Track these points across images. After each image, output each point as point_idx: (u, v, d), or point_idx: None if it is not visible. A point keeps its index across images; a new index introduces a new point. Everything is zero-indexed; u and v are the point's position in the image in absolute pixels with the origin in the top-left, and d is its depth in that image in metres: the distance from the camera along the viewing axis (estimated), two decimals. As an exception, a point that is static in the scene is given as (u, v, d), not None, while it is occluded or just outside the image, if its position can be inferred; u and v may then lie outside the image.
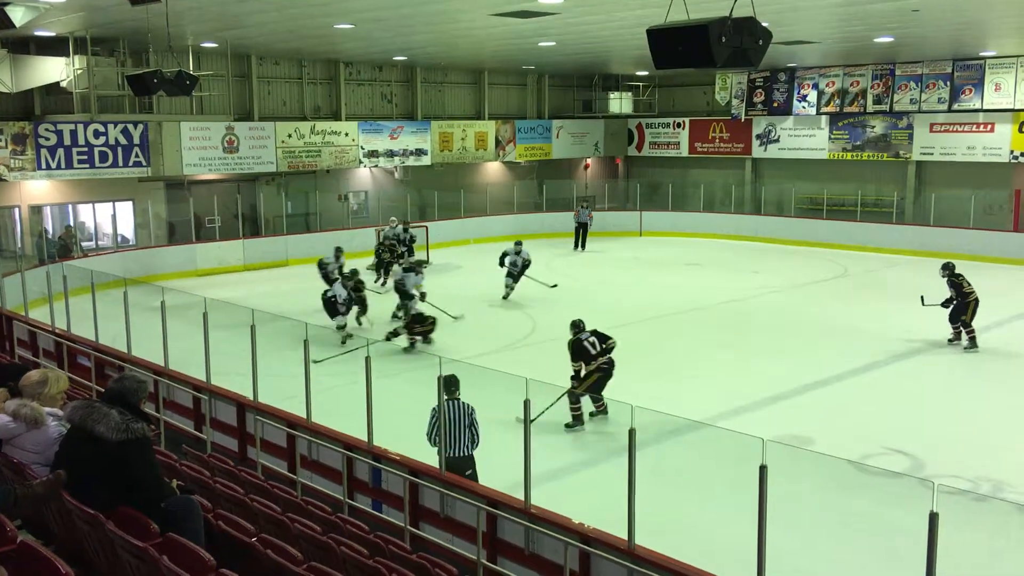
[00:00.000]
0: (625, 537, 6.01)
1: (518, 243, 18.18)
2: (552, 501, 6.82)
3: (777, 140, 28.32)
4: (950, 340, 14.03)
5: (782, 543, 5.97)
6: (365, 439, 7.85)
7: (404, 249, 20.70)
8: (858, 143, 26.57)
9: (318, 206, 24.96)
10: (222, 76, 21.86)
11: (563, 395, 10.11)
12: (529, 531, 6.59)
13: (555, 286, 18.30)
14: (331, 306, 14.73)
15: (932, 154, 25.25)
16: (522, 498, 6.66)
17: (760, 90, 28.15)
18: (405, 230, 21.33)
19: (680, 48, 6.59)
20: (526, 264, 17.89)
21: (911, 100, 25.07)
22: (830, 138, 27.09)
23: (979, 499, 8.35)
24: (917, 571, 4.84)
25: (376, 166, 26.04)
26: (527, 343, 14.65)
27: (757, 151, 28.90)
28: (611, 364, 10.49)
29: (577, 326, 10.69)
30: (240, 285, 19.66)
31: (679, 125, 30.62)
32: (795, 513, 7.59)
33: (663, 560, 5.90)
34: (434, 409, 7.75)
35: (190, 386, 9.82)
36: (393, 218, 22.08)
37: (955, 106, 24.23)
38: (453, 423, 7.72)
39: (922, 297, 13.96)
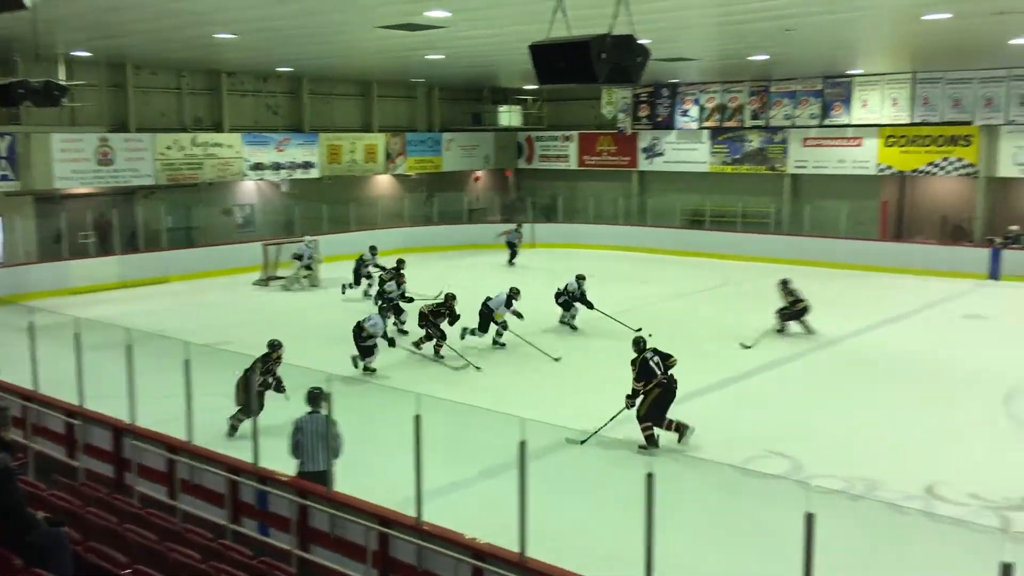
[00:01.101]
0: (518, 550, 6.02)
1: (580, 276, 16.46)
2: (450, 516, 6.76)
3: (662, 153, 29.11)
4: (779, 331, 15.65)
5: (670, 548, 6.09)
6: (251, 461, 7.63)
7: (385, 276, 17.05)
8: (737, 157, 27.55)
9: (200, 220, 24.22)
10: (95, 86, 20.98)
11: (619, 412, 10.25)
12: (421, 549, 6.51)
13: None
14: (364, 347, 13.21)
15: (806, 167, 26.42)
16: (415, 514, 6.59)
17: (645, 105, 28.87)
18: (373, 252, 19.99)
19: (562, 64, 6.68)
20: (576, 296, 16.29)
21: (785, 116, 26.18)
22: (711, 152, 28.02)
23: (853, 499, 8.72)
24: (795, 571, 5.00)
25: (262, 179, 25.46)
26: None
27: (643, 164, 29.63)
28: (673, 381, 10.33)
29: (639, 344, 10.51)
30: (117, 303, 18.84)
31: (568, 138, 31.12)
32: (682, 518, 7.76)
33: (554, 571, 5.93)
34: (295, 422, 7.84)
35: (62, 411, 9.33)
36: (309, 237, 21.66)
37: (826, 121, 25.41)
38: (313, 436, 7.73)
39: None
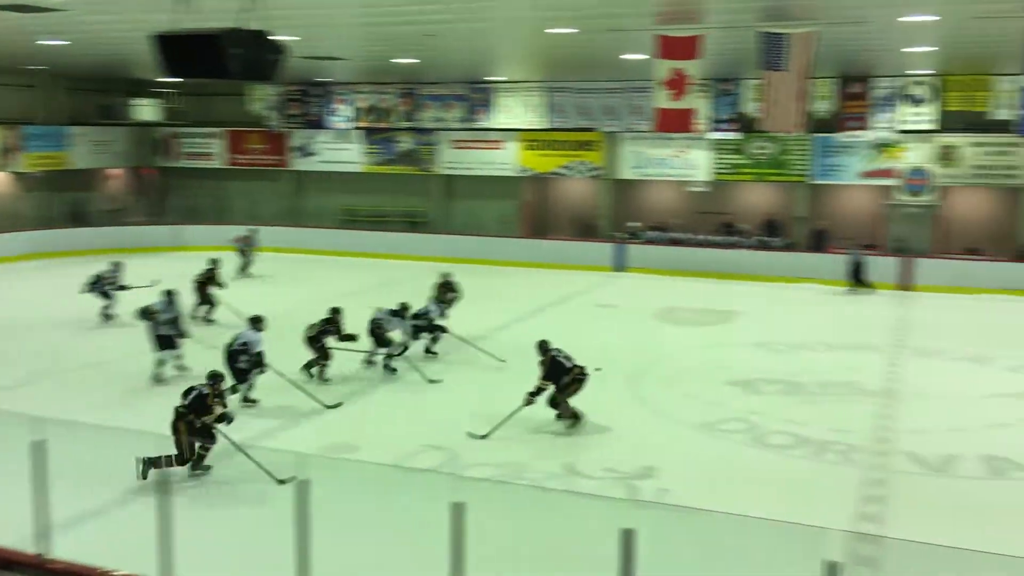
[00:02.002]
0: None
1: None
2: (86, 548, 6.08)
3: (315, 153, 28.77)
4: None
5: (326, 553, 6.00)
6: None
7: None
8: (391, 157, 28.02)
9: None
10: None
11: (519, 409, 10.74)
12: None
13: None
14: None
15: (455, 168, 27.55)
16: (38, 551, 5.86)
17: (296, 103, 28.33)
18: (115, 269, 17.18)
19: (192, 57, 6.27)
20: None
21: (435, 118, 27.07)
22: (365, 152, 28.22)
23: (500, 483, 9.19)
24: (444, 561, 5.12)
25: None
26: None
27: (297, 163, 29.09)
28: (583, 371, 11.01)
29: (545, 345, 11.09)
30: None
31: (214, 135, 29.65)
32: (336, 522, 7.67)
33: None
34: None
35: None
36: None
37: (471, 125, 26.68)
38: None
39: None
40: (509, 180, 27.10)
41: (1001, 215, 23.46)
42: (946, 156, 22.92)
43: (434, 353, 14.61)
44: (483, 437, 10.68)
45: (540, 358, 11.11)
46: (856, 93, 22.85)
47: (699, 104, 20.83)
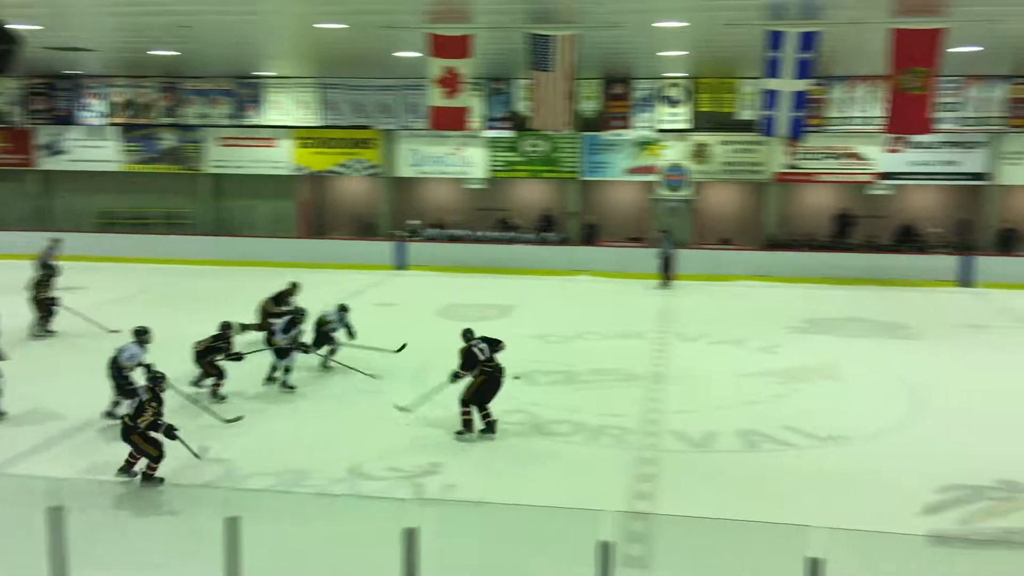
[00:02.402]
0: None
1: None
2: None
3: (66, 151, 26.55)
4: None
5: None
6: None
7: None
8: (152, 155, 26.37)
9: None
10: None
11: (442, 386, 10.90)
12: None
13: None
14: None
15: (224, 167, 26.35)
16: None
17: (43, 97, 26.00)
18: None
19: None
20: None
21: (200, 114, 25.74)
22: (123, 150, 26.37)
23: (281, 494, 8.87)
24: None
25: None
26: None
27: (44, 162, 26.72)
28: (498, 370, 10.79)
29: (468, 334, 10.92)
30: None
31: (-56, 132, 26.67)
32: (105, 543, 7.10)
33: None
34: None
35: None
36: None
37: (241, 121, 25.61)
38: None
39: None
40: (284, 179, 26.29)
41: (749, 208, 25.58)
42: (699, 154, 24.67)
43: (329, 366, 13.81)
44: (403, 410, 11.09)
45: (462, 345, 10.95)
46: (619, 94, 24.08)
47: (473, 102, 21.21)
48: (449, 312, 18.36)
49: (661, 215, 24.93)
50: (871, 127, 22.54)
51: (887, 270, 22.20)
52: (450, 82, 14.94)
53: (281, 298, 14.74)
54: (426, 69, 15.25)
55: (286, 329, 12.69)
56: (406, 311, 18.75)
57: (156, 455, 9.09)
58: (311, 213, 27.15)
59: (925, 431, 11.28)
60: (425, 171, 26.05)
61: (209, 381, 12.12)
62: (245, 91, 25.38)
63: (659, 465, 10.00)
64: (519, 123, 24.21)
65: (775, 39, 14.14)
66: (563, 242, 25.10)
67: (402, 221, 25.87)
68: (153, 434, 9.05)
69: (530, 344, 15.54)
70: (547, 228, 25.51)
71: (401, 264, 24.12)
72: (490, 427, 10.83)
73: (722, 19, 14.19)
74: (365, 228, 26.62)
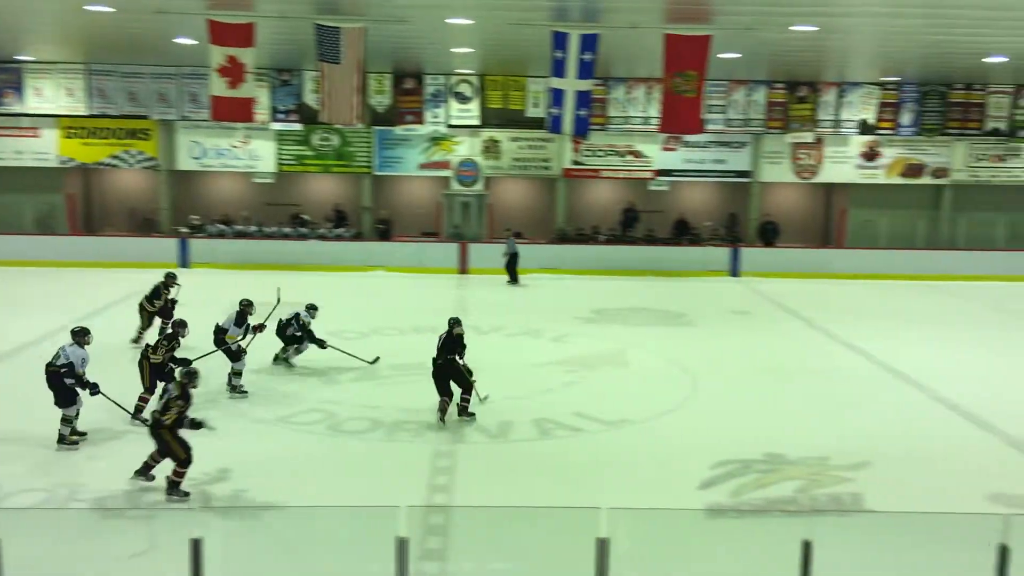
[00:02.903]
0: None
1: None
2: None
3: None
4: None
5: None
6: None
7: None
8: None
9: None
10: None
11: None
12: None
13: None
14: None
15: (-20, 158, 24.01)
16: None
17: None
18: None
19: None
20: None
21: (-52, 100, 23.29)
22: None
23: (50, 511, 8.20)
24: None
25: None
26: None
27: None
28: (440, 365, 11.02)
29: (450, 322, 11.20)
30: None
31: None
32: None
33: None
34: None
35: None
36: None
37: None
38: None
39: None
40: (49, 171, 24.31)
41: (540, 203, 26.35)
42: (490, 149, 25.13)
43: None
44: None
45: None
46: (410, 89, 24.07)
47: (258, 93, 20.48)
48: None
49: (455, 210, 25.18)
50: (649, 127, 23.86)
51: (666, 262, 23.60)
52: (233, 71, 14.36)
53: (156, 293, 14.56)
54: (207, 57, 14.57)
55: (239, 322, 12.50)
56: (189, 310, 17.82)
57: (184, 458, 8.57)
58: (81, 208, 25.24)
59: (701, 411, 12.09)
60: (209, 164, 24.91)
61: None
62: (3, 76, 23.21)
63: (456, 458, 10.10)
64: (308, 116, 23.66)
65: (559, 40, 14.64)
66: (356, 237, 24.79)
67: (185, 217, 24.58)
68: (182, 433, 8.60)
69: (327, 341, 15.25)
70: (340, 223, 25.09)
71: (184, 262, 22.92)
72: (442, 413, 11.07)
73: (508, 18, 14.52)
74: (144, 224, 25.08)
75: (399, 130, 24.52)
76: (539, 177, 25.78)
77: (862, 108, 24.62)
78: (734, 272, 23.59)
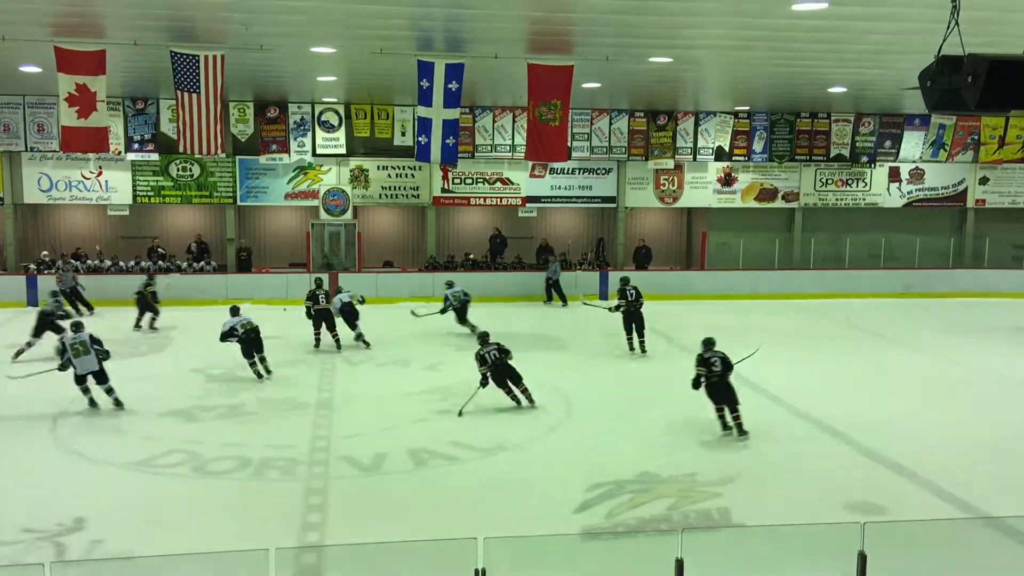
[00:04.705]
0: None
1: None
2: None
3: None
4: None
5: None
6: None
7: None
8: None
9: None
10: None
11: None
12: None
13: None
14: None
15: None
16: None
17: None
18: None
19: None
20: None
21: None
22: None
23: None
24: None
25: None
26: None
27: None
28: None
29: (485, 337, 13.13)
30: None
31: None
32: None
33: None
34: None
35: None
36: None
37: None
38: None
39: None
40: None
41: (410, 231, 26.24)
42: (358, 178, 24.89)
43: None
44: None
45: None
46: (274, 117, 23.61)
47: (111, 122, 19.65)
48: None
49: (323, 240, 24.75)
50: (517, 154, 24.21)
51: (537, 287, 23.86)
52: (83, 100, 13.70)
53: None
54: (55, 86, 13.86)
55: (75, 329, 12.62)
56: (45, 351, 16.82)
57: None
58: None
59: (576, 434, 12.23)
60: (58, 197, 23.65)
61: None
62: None
63: (328, 494, 9.84)
64: (166, 145, 22.84)
65: (425, 69, 14.69)
66: (219, 270, 23.99)
67: (34, 253, 23.21)
68: None
69: (190, 378, 14.67)
70: (201, 256, 24.24)
71: (33, 301, 21.59)
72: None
73: (372, 47, 14.45)
74: (-12, 262, 23.58)
75: (263, 159, 23.98)
76: (409, 205, 25.69)
77: (718, 136, 25.76)
78: (603, 296, 24.08)
